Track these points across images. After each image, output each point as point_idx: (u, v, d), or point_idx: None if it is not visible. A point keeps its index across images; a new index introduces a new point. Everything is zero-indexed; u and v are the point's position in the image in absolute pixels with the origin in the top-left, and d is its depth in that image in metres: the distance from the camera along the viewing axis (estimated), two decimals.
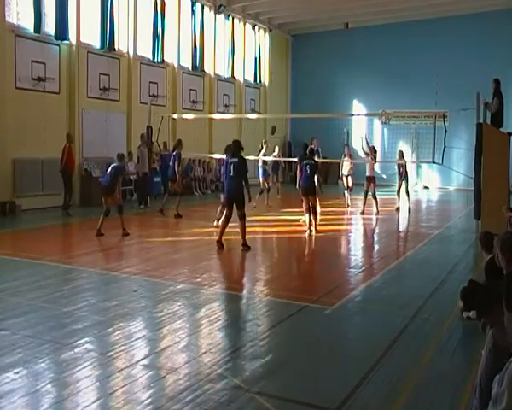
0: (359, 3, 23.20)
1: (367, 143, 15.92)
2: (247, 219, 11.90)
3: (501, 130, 11.91)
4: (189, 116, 19.26)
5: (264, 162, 16.84)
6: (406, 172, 16.30)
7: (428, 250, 10.71)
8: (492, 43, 22.39)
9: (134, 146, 17.51)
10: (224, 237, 9.92)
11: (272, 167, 17.61)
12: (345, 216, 15.47)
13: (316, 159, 13.05)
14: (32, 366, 4.63)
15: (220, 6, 22.40)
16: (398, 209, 15.97)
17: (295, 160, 14.90)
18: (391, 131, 25.09)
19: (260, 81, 26.08)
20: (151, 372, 4.56)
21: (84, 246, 10.52)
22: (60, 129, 15.86)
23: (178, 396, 4.07)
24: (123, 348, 5.08)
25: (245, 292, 7.44)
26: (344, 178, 17.04)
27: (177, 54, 20.75)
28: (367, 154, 15.85)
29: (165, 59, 19.90)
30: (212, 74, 22.69)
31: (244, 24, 24.74)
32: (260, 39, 25.94)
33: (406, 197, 16.21)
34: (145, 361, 4.79)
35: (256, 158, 16.70)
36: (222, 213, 10.88)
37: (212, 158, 20.54)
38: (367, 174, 15.34)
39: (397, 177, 16.45)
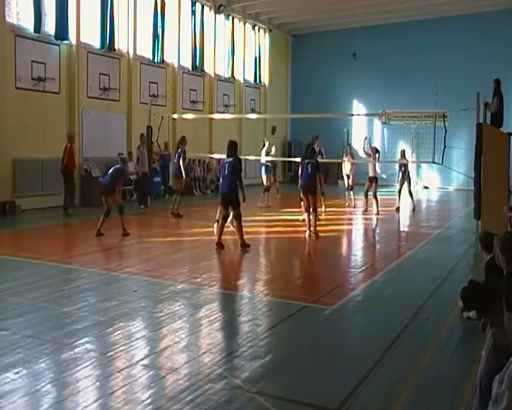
0: (359, 3, 23.21)
1: (369, 144, 15.94)
2: (247, 219, 11.96)
3: (501, 130, 11.91)
4: (189, 116, 19.27)
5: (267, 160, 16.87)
6: (408, 171, 16.27)
7: (428, 250, 10.70)
8: (492, 43, 22.39)
9: (134, 146, 17.51)
10: (223, 237, 9.92)
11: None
12: (345, 216, 15.46)
13: (318, 159, 13.05)
14: (32, 366, 4.63)
15: (220, 6, 22.40)
16: (398, 209, 15.96)
17: (296, 160, 14.92)
18: (391, 131, 25.09)
19: (260, 81, 26.09)
20: (151, 372, 4.56)
21: (84, 246, 10.52)
22: (60, 129, 15.87)
23: (178, 396, 4.07)
24: (123, 348, 5.08)
25: (245, 292, 7.44)
26: (345, 178, 17.05)
27: (177, 54, 20.75)
28: (368, 155, 15.87)
29: (165, 59, 19.90)
30: (212, 74, 22.69)
31: (244, 24, 24.74)
32: (260, 39, 25.94)
33: (410, 198, 16.14)
34: (145, 361, 4.79)
35: (256, 158, 16.71)
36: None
37: (212, 158, 20.54)
38: (369, 175, 15.40)
39: (399, 177, 16.36)
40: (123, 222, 11.08)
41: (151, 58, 19.31)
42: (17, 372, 4.45)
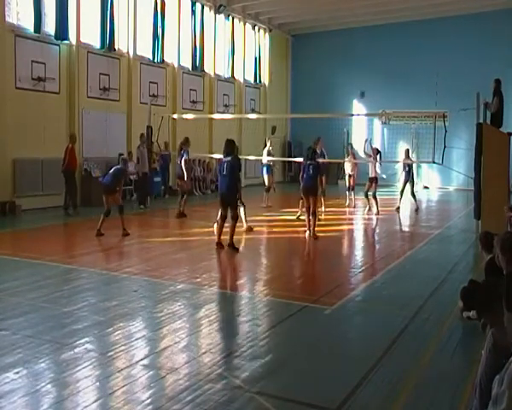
0: (359, 3, 23.21)
1: (370, 146, 15.95)
2: (248, 218, 11.96)
3: (501, 130, 11.90)
4: (189, 116, 19.27)
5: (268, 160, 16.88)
6: (413, 172, 16.21)
7: (428, 250, 10.70)
8: (492, 43, 22.39)
9: (134, 146, 17.51)
10: (223, 237, 9.91)
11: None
12: (345, 216, 15.46)
13: (320, 160, 13.07)
14: (32, 366, 4.63)
15: (220, 6, 22.40)
16: (398, 209, 15.96)
17: (296, 160, 14.94)
18: (391, 131, 25.09)
19: (260, 81, 26.09)
20: (151, 372, 4.56)
21: (84, 246, 10.53)
22: (60, 129, 15.89)
23: (178, 396, 4.07)
24: (123, 348, 5.08)
25: (245, 292, 7.44)
26: (347, 178, 17.06)
27: (177, 54, 20.75)
28: (369, 155, 15.88)
29: (165, 59, 19.90)
30: (212, 74, 22.69)
31: (244, 24, 24.74)
32: (260, 39, 25.94)
33: (412, 199, 16.12)
34: (145, 361, 4.79)
35: (257, 158, 16.71)
36: None
37: (212, 158, 20.54)
38: (370, 175, 15.41)
39: (402, 176, 16.32)
40: (123, 222, 11.08)
41: (151, 58, 19.31)
42: (17, 372, 4.45)
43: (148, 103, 17.33)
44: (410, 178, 16.02)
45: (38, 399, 4.07)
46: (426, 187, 24.53)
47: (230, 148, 9.99)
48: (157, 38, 19.35)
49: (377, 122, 25.88)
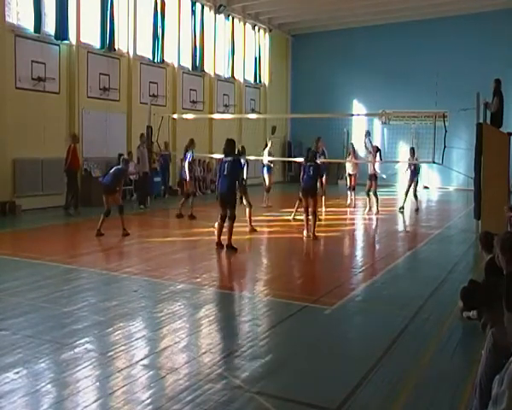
0: (359, 3, 23.21)
1: (370, 142, 15.97)
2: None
3: (501, 130, 11.90)
4: (189, 116, 19.27)
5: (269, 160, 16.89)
6: (418, 171, 16.20)
7: (428, 250, 10.71)
8: (492, 43, 22.39)
9: (134, 146, 17.50)
10: (223, 237, 9.91)
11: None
12: (345, 216, 15.46)
13: (322, 160, 13.10)
14: (32, 366, 4.63)
15: (220, 6, 22.40)
16: (402, 209, 15.94)
17: (296, 160, 14.95)
18: (391, 131, 25.08)
19: (260, 81, 26.09)
20: (151, 372, 4.56)
21: (84, 246, 10.54)
22: (60, 129, 15.90)
23: (178, 396, 4.08)
24: (123, 348, 5.08)
25: (245, 292, 7.44)
26: (348, 177, 17.08)
27: (177, 54, 20.75)
28: (369, 151, 15.89)
29: (165, 59, 19.90)
30: (212, 74, 22.69)
31: (244, 24, 24.74)
32: (260, 39, 25.94)
33: (414, 199, 16.13)
34: (145, 361, 4.79)
35: (257, 158, 16.71)
36: None
37: (212, 158, 20.54)
38: (369, 172, 15.43)
39: (407, 176, 16.29)
40: (123, 222, 11.08)
41: (151, 58, 19.31)
42: (17, 372, 4.45)
43: (148, 103, 17.34)
44: (415, 178, 15.99)
45: (38, 399, 4.07)
46: (426, 187, 24.50)
47: (231, 148, 9.97)
48: (157, 38, 19.34)
49: (377, 122, 25.87)
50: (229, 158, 9.83)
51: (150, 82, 19.40)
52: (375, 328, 5.94)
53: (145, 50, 19.18)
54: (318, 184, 12.38)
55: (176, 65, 20.72)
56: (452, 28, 23.51)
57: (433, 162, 14.06)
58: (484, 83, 12.93)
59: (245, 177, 12.29)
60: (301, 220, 11.85)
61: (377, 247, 11.58)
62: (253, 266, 9.18)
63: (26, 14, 15.06)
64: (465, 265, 9.34)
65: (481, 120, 11.95)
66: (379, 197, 15.35)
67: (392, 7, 23.48)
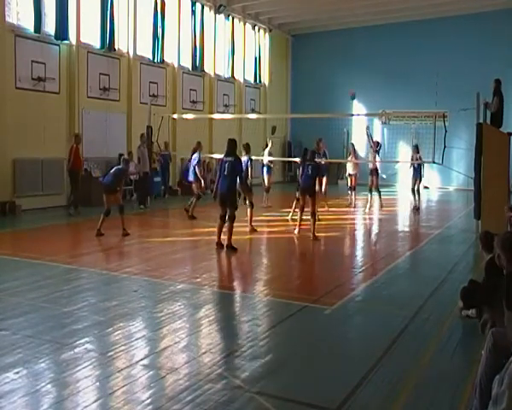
0: (359, 3, 23.20)
1: (370, 136, 16.03)
2: (248, 218, 11.95)
3: (501, 130, 11.90)
4: (189, 116, 19.27)
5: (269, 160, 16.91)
6: (422, 168, 16.23)
7: (428, 250, 10.71)
8: (492, 43, 22.39)
9: (134, 146, 17.50)
10: (223, 237, 9.91)
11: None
12: (345, 216, 15.46)
13: (323, 160, 13.12)
14: (32, 366, 4.63)
15: (220, 6, 22.40)
16: (416, 209, 15.96)
17: (296, 160, 14.96)
18: (391, 131, 25.09)
19: (260, 81, 26.09)
20: (151, 372, 4.56)
21: (84, 246, 10.54)
22: (60, 129, 15.90)
23: (178, 396, 4.07)
24: (123, 348, 5.08)
25: (245, 292, 7.44)
26: (348, 178, 17.09)
27: (177, 54, 20.74)
28: (371, 146, 15.94)
29: (165, 59, 19.89)
30: (212, 74, 22.69)
31: (244, 24, 24.74)
32: (260, 39, 25.94)
33: (417, 196, 16.18)
34: (145, 361, 4.79)
35: (257, 158, 16.71)
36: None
37: (212, 158, 20.54)
38: (369, 167, 15.49)
39: (410, 174, 16.35)
40: (123, 222, 11.08)
41: (151, 58, 19.31)
42: (17, 372, 4.45)
43: (148, 103, 17.34)
44: (419, 175, 16.02)
45: (38, 399, 4.07)
46: (426, 187, 24.49)
47: (232, 148, 9.96)
48: (157, 38, 19.34)
49: (377, 122, 25.87)
50: (229, 158, 9.82)
51: (150, 82, 19.40)
52: (375, 328, 5.94)
53: (145, 50, 19.18)
54: (317, 184, 12.38)
55: (176, 65, 20.72)
56: (452, 28, 23.50)
57: (433, 162, 14.08)
58: (484, 83, 12.94)
59: (250, 176, 12.30)
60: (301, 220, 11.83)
61: (377, 247, 11.58)
62: (252, 266, 9.18)
63: (26, 14, 15.06)
64: (465, 265, 9.34)
65: (481, 120, 11.95)
66: (381, 193, 15.48)
67: (392, 7, 23.48)
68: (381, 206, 15.42)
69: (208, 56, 22.15)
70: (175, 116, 18.60)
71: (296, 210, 12.72)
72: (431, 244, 11.18)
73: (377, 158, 16.07)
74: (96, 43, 17.14)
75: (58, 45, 15.92)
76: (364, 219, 14.89)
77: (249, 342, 5.29)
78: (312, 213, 11.22)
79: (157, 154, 17.95)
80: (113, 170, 11.28)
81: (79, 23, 16.42)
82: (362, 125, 25.20)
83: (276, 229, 12.74)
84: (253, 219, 12.02)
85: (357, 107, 26.06)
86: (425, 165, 16.55)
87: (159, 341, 5.37)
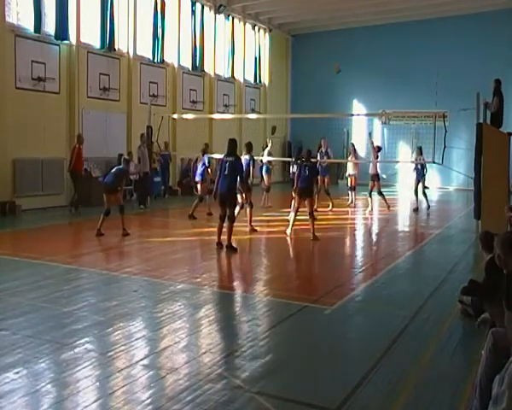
0: (359, 3, 23.20)
1: (373, 145, 16.06)
2: (247, 218, 11.95)
3: (501, 130, 11.90)
4: (189, 116, 19.27)
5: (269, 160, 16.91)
6: (425, 170, 16.26)
7: (428, 250, 10.72)
8: (492, 43, 22.39)
9: (134, 146, 17.50)
10: (223, 237, 9.90)
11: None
12: (345, 216, 15.46)
13: (325, 160, 13.12)
14: (32, 366, 4.63)
15: (220, 6, 22.40)
16: (415, 210, 16.00)
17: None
18: (391, 131, 25.09)
19: (260, 81, 26.09)
20: (151, 372, 4.56)
21: (84, 246, 10.54)
22: (60, 129, 15.91)
23: (178, 396, 4.07)
24: (123, 348, 5.08)
25: (245, 292, 7.44)
26: (348, 178, 17.10)
27: (177, 54, 20.74)
28: (373, 148, 15.97)
29: (165, 59, 19.89)
30: (212, 74, 22.69)
31: (244, 24, 24.74)
32: (260, 39, 25.94)
33: (415, 197, 16.17)
34: (145, 361, 4.79)
35: (257, 158, 16.71)
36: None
37: (212, 158, 20.50)
38: (370, 172, 15.50)
39: (414, 175, 16.35)
40: (123, 222, 11.08)
41: (151, 58, 19.31)
42: (17, 372, 4.45)
43: (148, 103, 17.34)
44: (422, 177, 16.04)
45: (38, 399, 4.07)
46: (426, 187, 24.49)
47: (232, 148, 9.96)
48: (157, 38, 19.34)
49: (377, 122, 25.88)
50: (230, 158, 9.82)
51: (150, 82, 19.40)
52: (375, 328, 5.94)
53: (145, 50, 19.18)
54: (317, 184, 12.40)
55: (176, 65, 20.72)
56: (452, 28, 23.50)
57: (433, 162, 14.08)
58: (484, 83, 12.94)
59: (251, 175, 12.29)
60: (300, 220, 11.82)
61: (377, 247, 11.58)
62: (252, 266, 9.18)
63: (26, 14, 15.05)
64: (465, 265, 9.34)
65: (481, 120, 11.95)
66: (384, 195, 15.54)
67: (392, 7, 23.48)
68: (388, 207, 15.51)
69: (208, 56, 22.15)
70: (175, 116, 18.60)
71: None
72: (431, 244, 11.18)
73: (378, 158, 16.08)
74: (96, 43, 17.14)
75: (58, 45, 15.92)
76: (364, 219, 14.89)
77: (249, 342, 5.29)
78: (310, 213, 11.20)
79: (157, 154, 17.95)
80: (114, 170, 11.28)
81: (79, 23, 16.42)
82: (362, 126, 25.32)
83: (276, 229, 12.73)
84: (253, 219, 12.03)
85: (357, 107, 26.06)
86: (428, 167, 16.57)
87: (159, 341, 5.37)
